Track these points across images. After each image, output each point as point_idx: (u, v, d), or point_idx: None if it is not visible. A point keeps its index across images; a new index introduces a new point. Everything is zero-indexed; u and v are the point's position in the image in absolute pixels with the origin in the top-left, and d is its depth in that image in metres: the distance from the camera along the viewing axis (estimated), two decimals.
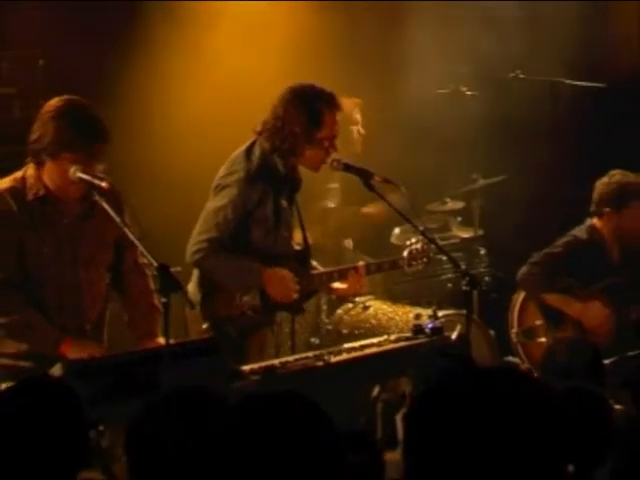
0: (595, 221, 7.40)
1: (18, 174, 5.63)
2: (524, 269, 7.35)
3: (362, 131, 8.01)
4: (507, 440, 2.23)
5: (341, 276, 6.58)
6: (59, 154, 5.49)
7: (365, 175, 6.31)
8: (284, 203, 6.34)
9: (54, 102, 5.60)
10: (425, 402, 2.31)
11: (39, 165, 5.57)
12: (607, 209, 7.33)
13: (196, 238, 6.18)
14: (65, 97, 5.62)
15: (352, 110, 7.94)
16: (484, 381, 2.34)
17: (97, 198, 5.53)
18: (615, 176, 7.32)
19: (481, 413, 2.25)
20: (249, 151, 6.25)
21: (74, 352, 5.46)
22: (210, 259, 6.16)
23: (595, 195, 7.38)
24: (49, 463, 3.59)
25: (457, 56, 8.63)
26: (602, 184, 7.34)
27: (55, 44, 7.62)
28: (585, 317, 7.25)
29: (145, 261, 5.70)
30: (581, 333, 7.20)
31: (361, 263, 6.70)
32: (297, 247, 6.48)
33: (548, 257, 7.32)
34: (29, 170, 5.61)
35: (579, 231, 7.41)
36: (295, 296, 6.30)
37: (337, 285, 6.61)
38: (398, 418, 5.49)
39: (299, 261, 6.43)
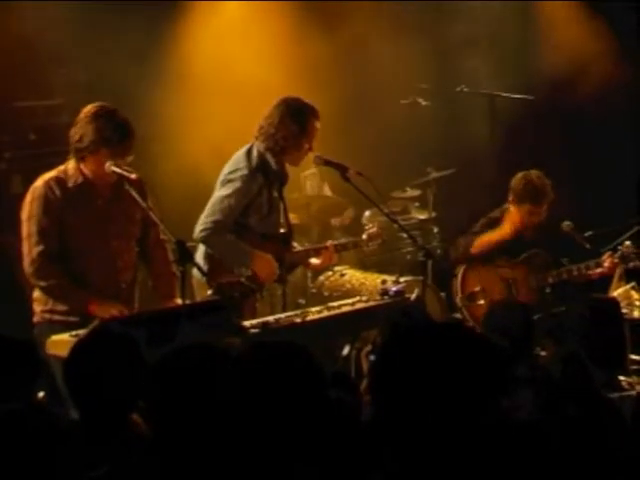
0: (510, 205, 7.17)
1: (61, 167, 5.67)
2: (459, 240, 7.24)
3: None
4: (453, 371, 2.32)
5: (316, 253, 6.60)
6: (98, 150, 5.51)
7: (342, 169, 6.29)
8: (275, 194, 6.35)
9: (89, 108, 5.60)
10: (392, 348, 2.37)
11: (80, 160, 5.59)
12: (511, 198, 7.12)
13: (203, 220, 6.18)
14: (97, 104, 5.62)
15: None
16: (437, 331, 2.42)
17: (127, 187, 5.55)
18: (528, 175, 7.07)
19: (435, 353, 2.34)
20: (249, 152, 6.27)
21: (100, 311, 5.47)
22: (213, 238, 6.16)
23: (510, 184, 7.16)
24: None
25: (416, 73, 8.62)
26: (515, 178, 7.11)
27: (93, 64, 7.61)
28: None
29: (165, 237, 5.73)
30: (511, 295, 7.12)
31: (330, 242, 6.72)
32: (282, 230, 6.46)
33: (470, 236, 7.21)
34: (70, 163, 5.63)
35: (497, 213, 7.25)
36: (276, 276, 6.29)
37: (313, 260, 6.61)
38: (362, 354, 5.50)
39: (283, 240, 6.41)
